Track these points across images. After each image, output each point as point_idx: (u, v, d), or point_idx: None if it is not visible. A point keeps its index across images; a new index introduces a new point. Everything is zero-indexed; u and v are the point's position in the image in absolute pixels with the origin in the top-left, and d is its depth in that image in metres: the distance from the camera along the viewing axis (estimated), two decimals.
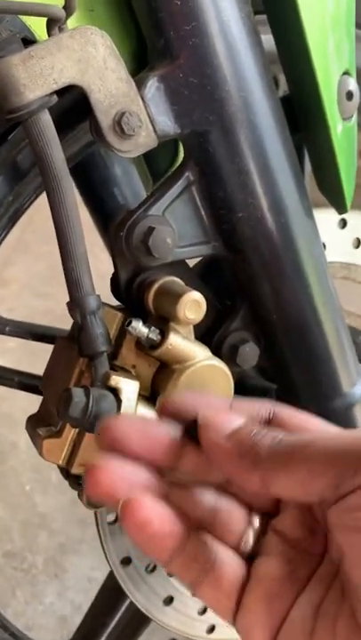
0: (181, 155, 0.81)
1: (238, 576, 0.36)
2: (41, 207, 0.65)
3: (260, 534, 0.38)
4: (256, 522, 0.38)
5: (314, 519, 0.37)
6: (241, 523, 0.38)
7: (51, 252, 0.63)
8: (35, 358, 0.67)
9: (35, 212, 0.66)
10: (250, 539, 0.37)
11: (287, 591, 0.35)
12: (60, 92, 0.50)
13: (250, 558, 0.37)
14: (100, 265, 0.63)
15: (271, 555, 0.37)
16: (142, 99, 0.49)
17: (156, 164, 0.86)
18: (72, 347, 0.56)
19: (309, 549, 0.37)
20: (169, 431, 0.37)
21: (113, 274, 0.59)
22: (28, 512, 1.37)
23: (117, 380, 0.51)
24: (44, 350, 0.67)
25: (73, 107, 0.59)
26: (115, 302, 0.59)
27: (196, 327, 0.62)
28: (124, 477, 0.35)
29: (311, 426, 0.37)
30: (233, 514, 0.38)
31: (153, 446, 0.36)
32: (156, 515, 0.35)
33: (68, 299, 0.51)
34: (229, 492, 0.38)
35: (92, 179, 0.84)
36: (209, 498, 0.37)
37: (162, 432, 0.37)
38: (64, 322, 0.71)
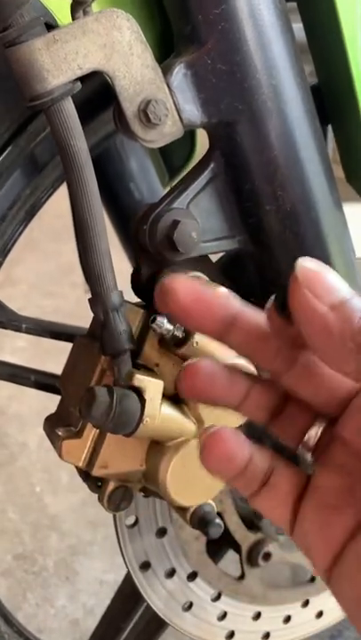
0: (198, 149, 0.79)
1: (295, 485, 0.36)
2: (48, 204, 0.63)
3: (322, 441, 0.36)
4: (319, 426, 0.37)
5: None
6: (305, 424, 0.37)
7: (59, 251, 0.61)
8: (46, 357, 0.65)
9: (43, 209, 0.65)
10: (311, 441, 0.37)
11: (346, 505, 0.34)
12: (82, 80, 0.48)
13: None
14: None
15: (331, 465, 0.36)
16: (169, 86, 0.47)
17: (173, 159, 0.84)
18: (93, 345, 0.54)
19: None
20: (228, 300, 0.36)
21: (134, 270, 0.57)
22: (39, 513, 1.35)
23: (141, 380, 0.50)
24: (56, 349, 0.65)
25: (92, 97, 0.57)
26: (134, 299, 0.57)
27: None
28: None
29: None
30: (297, 414, 0.37)
31: (206, 314, 0.36)
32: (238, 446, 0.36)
33: (76, 298, 0.50)
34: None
35: (108, 173, 0.82)
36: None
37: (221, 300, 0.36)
38: (73, 320, 0.69)
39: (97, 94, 0.57)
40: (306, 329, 0.32)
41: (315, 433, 0.37)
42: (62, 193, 0.73)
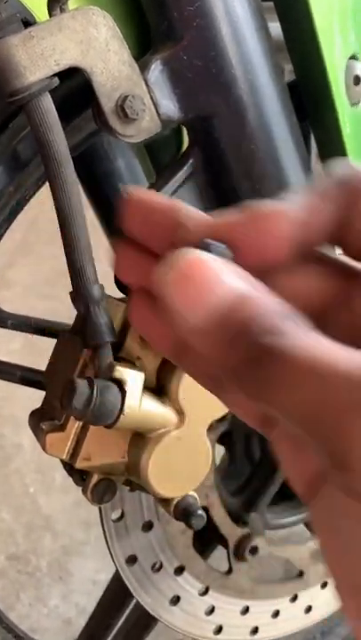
0: (184, 148, 0.80)
1: None
2: (45, 207, 0.64)
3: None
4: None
5: None
6: None
7: (55, 254, 0.62)
8: (39, 359, 0.66)
9: (39, 212, 0.65)
10: None
11: None
12: (62, 79, 0.49)
13: None
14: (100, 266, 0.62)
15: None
16: (146, 82, 0.48)
17: (160, 158, 0.85)
18: (75, 339, 0.54)
19: None
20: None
21: None
22: (32, 514, 1.36)
23: (122, 372, 0.50)
24: (49, 351, 0.66)
25: (75, 94, 0.58)
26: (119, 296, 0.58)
27: None
28: None
29: None
30: None
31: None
32: None
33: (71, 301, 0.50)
34: None
35: (95, 172, 0.83)
36: None
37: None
38: (69, 323, 0.69)
39: (80, 91, 0.58)
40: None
41: None
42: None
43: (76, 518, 1.32)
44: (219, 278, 0.23)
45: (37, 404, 0.61)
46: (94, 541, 1.29)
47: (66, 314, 0.52)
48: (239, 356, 0.22)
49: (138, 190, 0.29)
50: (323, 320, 0.24)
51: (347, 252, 0.26)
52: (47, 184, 0.52)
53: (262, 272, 0.25)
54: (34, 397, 0.65)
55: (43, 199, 0.61)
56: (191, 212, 0.27)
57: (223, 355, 0.22)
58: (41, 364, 0.64)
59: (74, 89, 0.57)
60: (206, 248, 0.24)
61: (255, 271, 0.24)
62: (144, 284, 0.28)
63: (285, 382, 0.21)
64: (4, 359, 0.67)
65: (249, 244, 0.25)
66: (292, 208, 0.25)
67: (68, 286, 0.50)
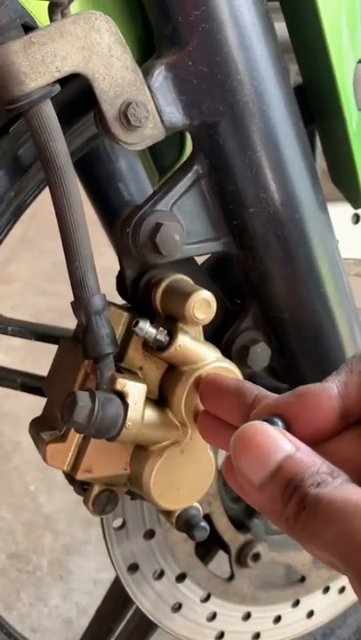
0: (188, 149, 0.78)
1: None
2: (44, 202, 0.62)
3: None
4: None
5: None
6: None
7: (54, 249, 0.61)
8: (39, 356, 0.65)
9: (38, 207, 0.64)
10: None
11: None
12: (63, 83, 0.48)
13: None
14: (102, 259, 0.60)
15: None
16: (149, 88, 0.47)
17: (162, 159, 0.83)
18: (77, 348, 0.53)
19: None
20: None
21: (119, 272, 0.56)
22: (33, 513, 1.35)
23: (124, 384, 0.49)
24: (49, 348, 0.65)
25: (76, 98, 0.57)
26: (119, 300, 0.57)
27: (206, 327, 0.59)
28: None
29: None
30: None
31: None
32: None
33: (70, 296, 0.49)
34: None
35: (97, 174, 0.82)
36: None
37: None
38: (68, 318, 0.68)
39: (81, 95, 0.57)
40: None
41: None
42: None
43: (76, 517, 1.32)
44: (274, 444, 0.30)
45: (39, 403, 0.60)
46: (95, 540, 1.28)
47: (65, 309, 0.51)
48: (289, 507, 0.28)
49: (208, 375, 0.43)
50: None
51: None
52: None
53: (316, 439, 0.32)
54: (34, 397, 0.65)
55: (43, 194, 0.59)
56: (255, 391, 0.37)
57: (278, 508, 0.29)
58: (41, 361, 0.63)
59: (75, 93, 0.56)
60: (267, 421, 0.32)
61: (309, 439, 0.31)
62: (224, 449, 0.38)
63: (321, 522, 0.27)
64: (6, 360, 0.66)
65: (301, 417, 0.33)
66: (332, 385, 0.33)
67: (67, 282, 0.49)
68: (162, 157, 0.83)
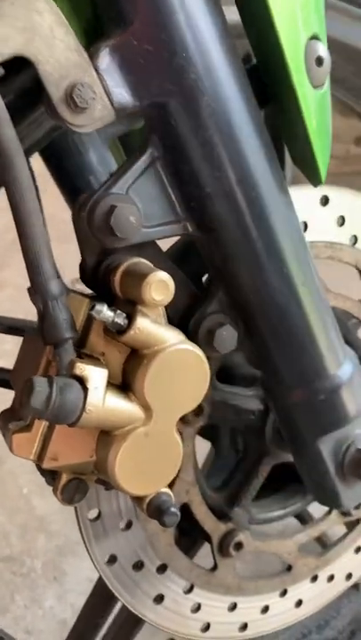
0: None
1: None
2: None
3: None
4: None
5: None
6: None
7: None
8: None
9: None
10: None
11: None
12: (14, 71, 0.47)
13: None
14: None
15: None
16: (96, 70, 0.47)
17: (134, 149, 0.83)
18: (39, 337, 0.53)
19: None
20: None
21: (81, 260, 0.56)
22: (27, 515, 1.35)
23: (83, 368, 0.49)
24: None
25: (32, 87, 0.56)
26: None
27: (173, 311, 0.59)
28: None
29: None
30: None
31: None
32: None
33: None
34: None
35: (67, 167, 0.81)
36: None
37: None
38: None
39: (37, 84, 0.57)
40: None
41: None
42: (52, 194, 0.72)
43: (70, 518, 1.30)
44: None
45: None
46: None
47: None
48: None
49: None
50: None
51: None
52: None
53: None
54: None
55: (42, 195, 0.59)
56: None
57: None
58: None
59: (30, 81, 0.56)
60: None
61: None
62: None
63: None
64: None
65: None
66: None
67: None
68: (133, 147, 0.83)
